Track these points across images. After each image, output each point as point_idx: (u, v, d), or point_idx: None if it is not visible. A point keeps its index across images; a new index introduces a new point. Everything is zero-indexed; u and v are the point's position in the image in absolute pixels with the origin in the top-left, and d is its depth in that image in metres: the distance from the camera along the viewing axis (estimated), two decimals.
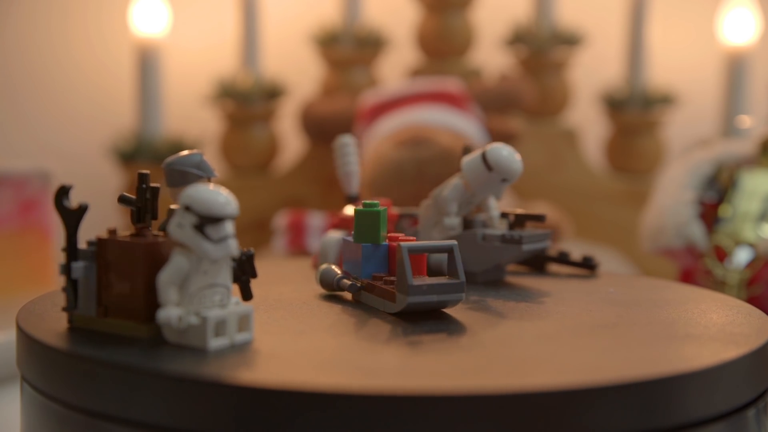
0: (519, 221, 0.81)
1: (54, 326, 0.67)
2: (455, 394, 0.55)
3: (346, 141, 0.82)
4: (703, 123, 1.77)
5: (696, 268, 1.15)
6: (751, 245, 1.12)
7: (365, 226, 0.74)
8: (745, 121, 1.62)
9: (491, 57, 1.74)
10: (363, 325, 0.68)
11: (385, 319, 0.69)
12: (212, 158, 1.68)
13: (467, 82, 1.56)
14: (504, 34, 1.70)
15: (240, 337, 0.62)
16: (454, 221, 0.79)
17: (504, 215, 0.81)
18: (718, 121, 1.69)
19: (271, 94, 1.63)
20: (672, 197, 1.18)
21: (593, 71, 1.77)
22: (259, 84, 1.62)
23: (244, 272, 0.65)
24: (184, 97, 1.72)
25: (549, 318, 0.70)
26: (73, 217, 0.65)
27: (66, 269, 0.65)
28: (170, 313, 0.60)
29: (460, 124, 1.46)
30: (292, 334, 0.66)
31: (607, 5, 1.80)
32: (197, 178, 0.65)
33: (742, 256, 1.12)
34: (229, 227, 0.60)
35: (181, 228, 0.60)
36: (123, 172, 1.60)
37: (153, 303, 0.61)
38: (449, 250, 0.68)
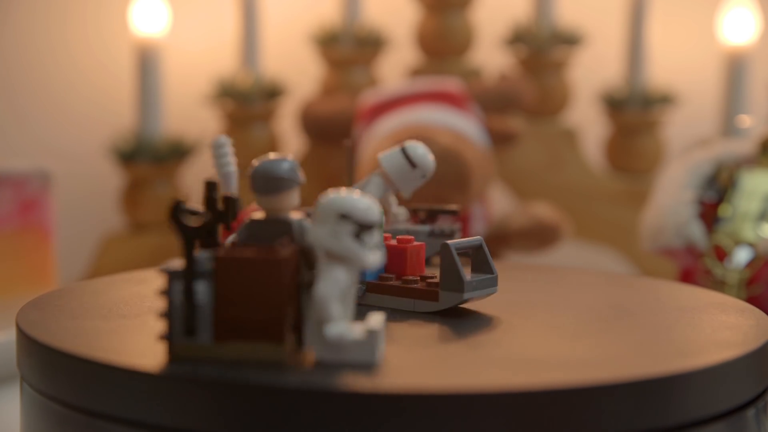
0: (431, 216, 0.82)
1: (54, 326, 0.67)
2: (458, 393, 0.55)
3: (222, 142, 0.78)
4: (703, 123, 1.77)
5: (696, 267, 1.15)
6: (751, 245, 1.12)
7: None
8: (745, 120, 1.62)
9: (491, 57, 1.74)
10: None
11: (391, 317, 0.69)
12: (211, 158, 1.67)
13: (467, 82, 1.56)
14: (504, 34, 1.70)
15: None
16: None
17: (415, 211, 0.81)
18: (718, 120, 1.69)
19: (271, 93, 1.63)
20: (672, 197, 1.18)
21: (593, 71, 1.77)
22: (258, 84, 1.62)
23: None
24: (183, 97, 1.72)
25: (544, 317, 0.70)
26: (192, 234, 0.59)
27: (187, 293, 0.58)
28: (343, 328, 0.57)
29: (460, 124, 1.46)
30: None
31: (607, 5, 1.80)
32: (293, 184, 0.62)
33: (741, 256, 1.12)
34: (377, 234, 0.58)
35: (337, 238, 0.57)
36: (123, 172, 1.60)
37: (287, 322, 0.58)
38: (479, 246, 0.70)
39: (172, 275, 0.58)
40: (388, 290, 0.71)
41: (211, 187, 0.60)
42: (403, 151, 0.78)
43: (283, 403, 0.54)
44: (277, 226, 0.60)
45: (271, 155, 0.63)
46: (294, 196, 0.61)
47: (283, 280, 0.57)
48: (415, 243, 0.74)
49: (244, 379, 0.56)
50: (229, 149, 0.80)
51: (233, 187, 0.79)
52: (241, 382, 0.55)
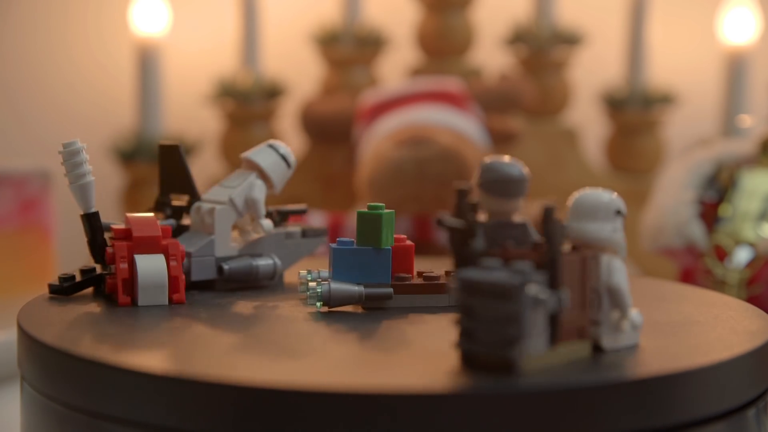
0: (283, 217, 0.83)
1: (54, 326, 0.67)
2: (456, 394, 0.55)
3: (76, 148, 0.75)
4: (703, 122, 1.77)
5: (696, 267, 1.15)
6: (751, 245, 1.12)
7: (368, 229, 0.73)
8: (746, 120, 1.62)
9: (491, 56, 1.73)
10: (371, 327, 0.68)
11: (383, 319, 0.69)
12: (212, 158, 1.68)
13: (467, 82, 1.56)
14: (504, 34, 1.70)
15: None
16: (269, 223, 0.79)
17: (269, 213, 0.82)
18: (718, 120, 1.69)
19: (271, 93, 1.63)
20: (672, 197, 1.18)
21: (593, 71, 1.77)
22: (259, 83, 1.62)
23: None
24: (184, 97, 1.72)
25: None
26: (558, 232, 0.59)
27: (558, 300, 0.57)
28: (640, 318, 0.63)
29: (461, 124, 1.46)
30: (299, 337, 0.66)
31: (607, 5, 1.80)
32: (525, 190, 0.64)
33: (742, 256, 1.12)
34: None
35: (617, 232, 0.62)
36: (123, 172, 1.60)
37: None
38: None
39: (519, 285, 0.56)
40: (419, 289, 0.72)
41: (462, 193, 0.61)
42: (275, 149, 0.79)
43: (281, 402, 0.54)
44: (514, 229, 0.62)
45: (504, 158, 0.64)
46: (521, 201, 0.64)
47: (592, 276, 0.61)
48: (407, 243, 0.75)
49: (243, 380, 0.56)
50: (84, 156, 0.76)
51: (91, 200, 0.77)
52: (239, 383, 0.55)
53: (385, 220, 0.73)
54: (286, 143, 0.82)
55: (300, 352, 0.63)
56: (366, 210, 0.73)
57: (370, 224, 0.73)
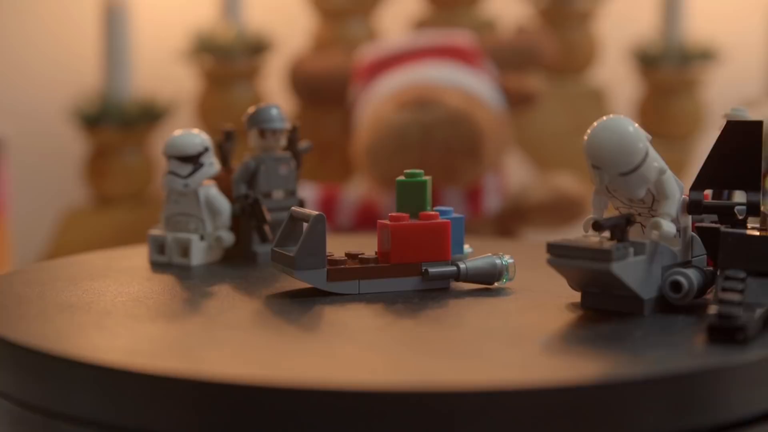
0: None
1: (7, 315, 0.67)
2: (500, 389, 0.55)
3: None
4: (747, 81, 1.77)
5: None
6: None
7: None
8: None
9: (506, 7, 1.73)
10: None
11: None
12: (188, 122, 1.67)
13: (479, 36, 1.56)
14: None
15: None
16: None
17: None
18: (764, 78, 1.69)
19: (256, 48, 1.63)
20: None
21: (623, 23, 1.76)
22: (241, 37, 1.62)
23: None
24: (156, 53, 1.72)
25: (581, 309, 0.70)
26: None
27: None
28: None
29: (471, 83, 1.46)
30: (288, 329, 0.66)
31: None
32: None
33: None
34: None
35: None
36: (87, 138, 1.59)
37: None
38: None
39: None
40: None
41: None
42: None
43: (241, 398, 0.55)
44: None
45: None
46: None
47: None
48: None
49: (212, 376, 0.56)
50: None
51: None
52: (209, 380, 0.55)
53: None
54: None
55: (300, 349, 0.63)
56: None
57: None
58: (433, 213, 0.75)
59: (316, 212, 0.71)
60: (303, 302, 0.70)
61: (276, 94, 1.67)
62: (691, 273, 0.67)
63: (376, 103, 1.45)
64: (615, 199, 0.69)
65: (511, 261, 0.75)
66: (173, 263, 0.81)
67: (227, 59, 1.61)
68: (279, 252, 0.72)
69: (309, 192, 1.45)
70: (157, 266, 0.81)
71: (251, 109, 0.83)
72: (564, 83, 1.69)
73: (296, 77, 1.57)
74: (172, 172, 0.81)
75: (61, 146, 1.65)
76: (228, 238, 0.82)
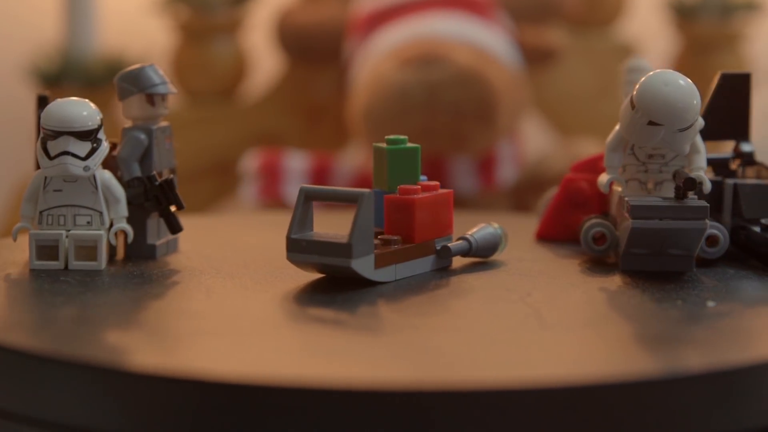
0: None
1: None
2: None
3: None
4: None
5: None
6: None
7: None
8: None
9: None
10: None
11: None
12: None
13: None
14: None
15: None
16: None
17: None
18: None
19: None
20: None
21: None
22: None
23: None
24: (123, 4, 1.71)
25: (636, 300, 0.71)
26: None
27: None
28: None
29: (483, 38, 1.46)
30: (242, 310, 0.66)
31: None
32: None
33: None
34: None
35: None
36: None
37: None
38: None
39: None
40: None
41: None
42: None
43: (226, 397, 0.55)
44: None
45: None
46: None
47: None
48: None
49: (175, 371, 0.56)
50: None
51: None
52: (169, 375, 0.55)
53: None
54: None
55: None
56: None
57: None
58: (432, 183, 0.75)
59: (361, 189, 0.69)
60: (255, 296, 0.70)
61: (261, 50, 1.67)
62: (719, 226, 0.75)
63: (375, 60, 1.45)
64: (631, 156, 0.75)
65: (502, 229, 0.78)
66: (72, 268, 0.73)
67: (205, 10, 1.61)
68: (310, 241, 0.69)
69: (299, 161, 1.45)
70: (48, 275, 0.73)
71: (128, 70, 0.77)
72: (589, 37, 1.69)
73: (284, 31, 1.57)
74: (67, 153, 0.72)
75: (16, 109, 1.65)
76: (131, 231, 0.75)
